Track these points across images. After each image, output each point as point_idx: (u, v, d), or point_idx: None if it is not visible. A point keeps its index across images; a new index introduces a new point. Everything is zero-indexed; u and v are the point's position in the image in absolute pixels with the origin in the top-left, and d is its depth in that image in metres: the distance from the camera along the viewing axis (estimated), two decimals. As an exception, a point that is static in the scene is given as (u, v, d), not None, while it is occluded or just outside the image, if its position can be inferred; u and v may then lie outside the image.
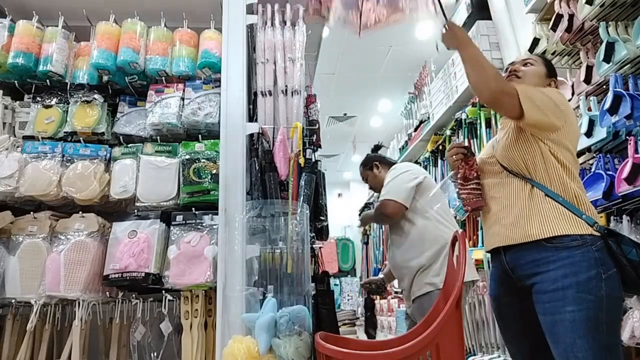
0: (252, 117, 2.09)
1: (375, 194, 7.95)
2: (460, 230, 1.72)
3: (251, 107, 2.12)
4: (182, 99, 2.13)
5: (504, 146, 1.61)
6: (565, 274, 1.37)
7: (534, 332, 1.51)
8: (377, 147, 2.83)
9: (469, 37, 1.60)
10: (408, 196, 2.29)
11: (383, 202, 2.32)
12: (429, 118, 4.73)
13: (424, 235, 2.28)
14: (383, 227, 6.69)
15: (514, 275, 1.52)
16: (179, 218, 1.95)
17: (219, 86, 2.06)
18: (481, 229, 3.39)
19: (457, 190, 1.72)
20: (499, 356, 3.12)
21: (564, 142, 1.52)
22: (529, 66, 1.70)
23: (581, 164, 2.64)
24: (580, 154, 2.59)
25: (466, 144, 4.17)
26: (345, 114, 7.08)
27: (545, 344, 1.43)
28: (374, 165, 2.64)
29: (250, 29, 2.17)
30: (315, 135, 2.19)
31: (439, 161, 4.51)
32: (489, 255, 1.68)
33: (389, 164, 2.62)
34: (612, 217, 2.25)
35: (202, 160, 2.02)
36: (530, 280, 1.46)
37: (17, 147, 2.10)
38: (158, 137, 2.13)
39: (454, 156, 1.70)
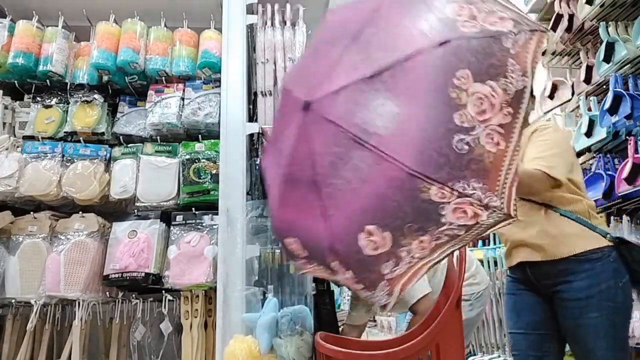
0: (252, 117, 2.09)
1: None
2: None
3: (251, 107, 2.12)
4: (182, 99, 2.13)
5: None
6: (589, 284, 1.54)
7: (544, 326, 1.67)
8: None
9: None
10: None
11: None
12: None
13: None
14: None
15: (539, 283, 1.66)
16: (179, 218, 1.95)
17: (219, 86, 2.06)
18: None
19: None
20: (499, 356, 3.12)
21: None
22: None
23: (581, 164, 2.64)
24: (580, 154, 2.59)
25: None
26: (344, 114, 7.07)
27: (550, 338, 1.62)
28: None
29: (250, 29, 2.17)
30: (315, 135, 2.19)
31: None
32: (501, 256, 1.75)
33: None
34: (612, 217, 2.25)
35: (202, 160, 2.01)
36: (554, 288, 1.60)
37: (17, 147, 2.10)
38: (158, 137, 2.13)
39: None
